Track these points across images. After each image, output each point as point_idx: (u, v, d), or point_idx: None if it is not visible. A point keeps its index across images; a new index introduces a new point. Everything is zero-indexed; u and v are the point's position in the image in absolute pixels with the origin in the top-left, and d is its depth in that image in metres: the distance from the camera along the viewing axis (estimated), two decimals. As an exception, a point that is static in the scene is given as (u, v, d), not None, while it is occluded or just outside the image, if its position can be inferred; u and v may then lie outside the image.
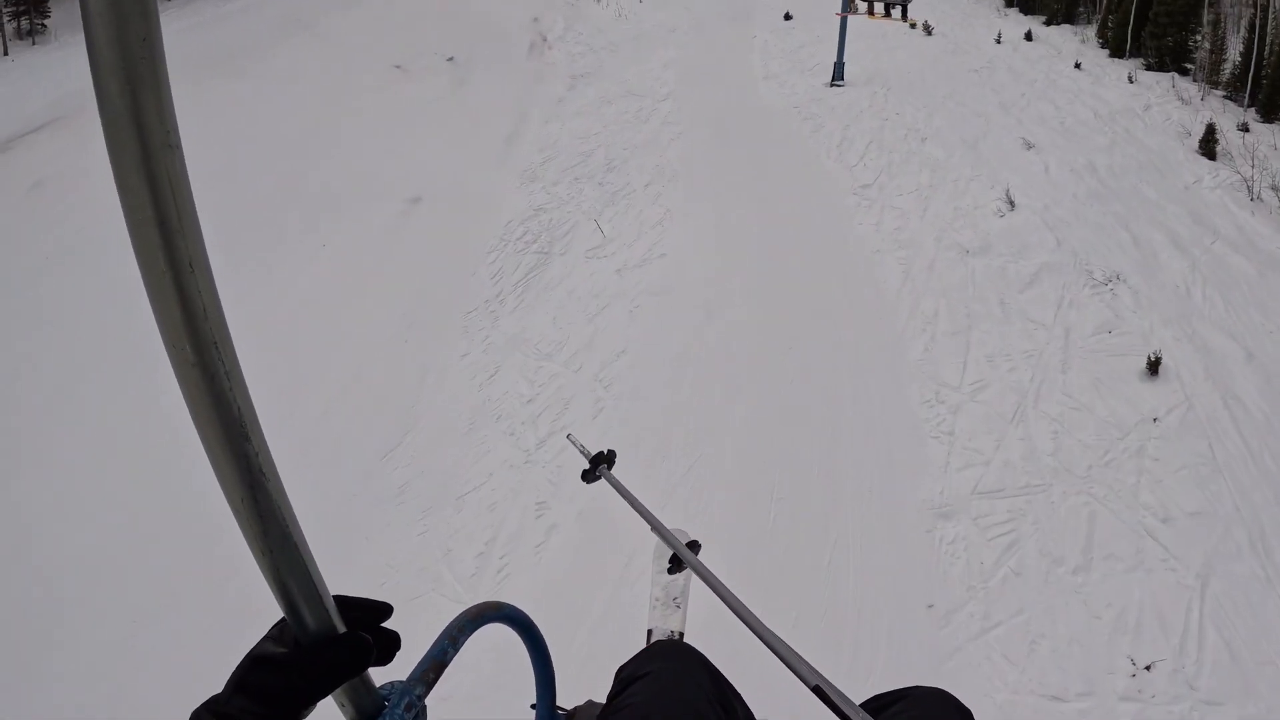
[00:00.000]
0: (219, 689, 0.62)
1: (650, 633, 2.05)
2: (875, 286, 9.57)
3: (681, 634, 2.02)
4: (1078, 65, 17.42)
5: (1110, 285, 8.93)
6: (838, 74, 17.30)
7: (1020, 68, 17.58)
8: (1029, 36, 20.59)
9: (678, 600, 2.09)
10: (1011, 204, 10.63)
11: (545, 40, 20.60)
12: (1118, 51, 19.33)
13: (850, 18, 17.76)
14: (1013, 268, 9.42)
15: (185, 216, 0.46)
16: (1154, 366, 7.67)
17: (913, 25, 21.50)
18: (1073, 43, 20.72)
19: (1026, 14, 24.64)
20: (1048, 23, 23.34)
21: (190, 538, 7.11)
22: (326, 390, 9.42)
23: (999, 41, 20.13)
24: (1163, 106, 14.68)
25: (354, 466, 8.48)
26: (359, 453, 8.63)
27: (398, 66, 17.93)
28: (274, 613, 0.62)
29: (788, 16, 22.61)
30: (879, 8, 19.24)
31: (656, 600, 2.12)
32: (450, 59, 18.72)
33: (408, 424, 8.94)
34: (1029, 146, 12.70)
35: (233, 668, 0.63)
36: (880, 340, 8.63)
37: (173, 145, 0.44)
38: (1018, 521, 6.51)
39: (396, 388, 9.45)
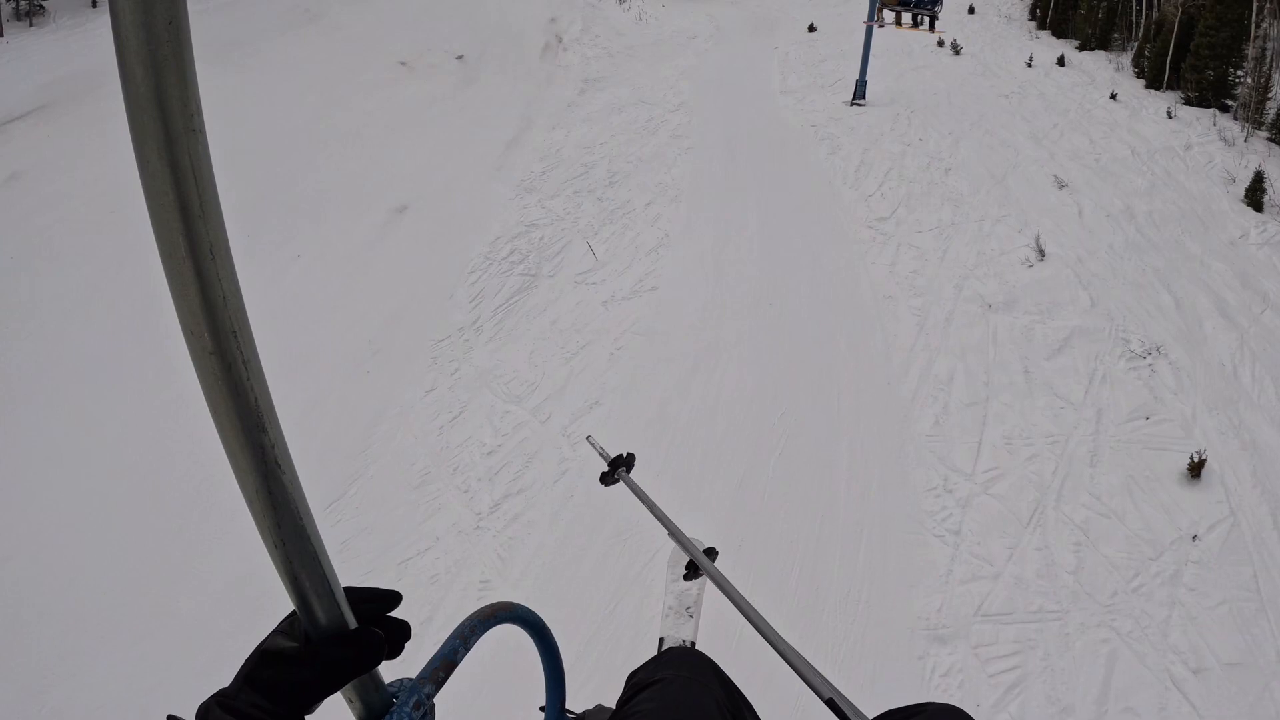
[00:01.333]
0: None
1: (662, 640, 1.92)
2: (885, 340, 8.29)
3: (694, 643, 1.88)
4: (1114, 96, 15.93)
5: (1149, 359, 7.61)
6: (859, 92, 15.94)
7: (1052, 95, 16.12)
8: (1062, 62, 19.09)
9: (690, 609, 1.98)
10: (1041, 253, 9.29)
11: (560, 41, 19.29)
12: (1155, 82, 17.78)
13: (876, 33, 16.42)
14: (1040, 329, 8.11)
15: (207, 202, 0.44)
16: (1196, 468, 6.38)
17: (940, 43, 20.09)
18: (1107, 70, 19.17)
19: (1059, 38, 23.06)
20: (1081, 48, 21.78)
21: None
22: (284, 417, 8.30)
23: (1030, 65, 18.65)
24: (1204, 147, 13.21)
25: None
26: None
27: (403, 63, 16.68)
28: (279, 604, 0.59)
29: (812, 28, 21.18)
30: (906, 18, 17.98)
31: (670, 609, 1.99)
32: (459, 57, 17.46)
33: (357, 469, 7.81)
34: (1061, 185, 11.32)
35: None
36: (886, 408, 7.36)
37: (196, 130, 0.42)
38: (1025, 655, 5.26)
39: (351, 426, 8.31)
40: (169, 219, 0.43)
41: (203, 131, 0.43)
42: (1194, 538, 5.92)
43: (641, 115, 15.44)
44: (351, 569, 6.76)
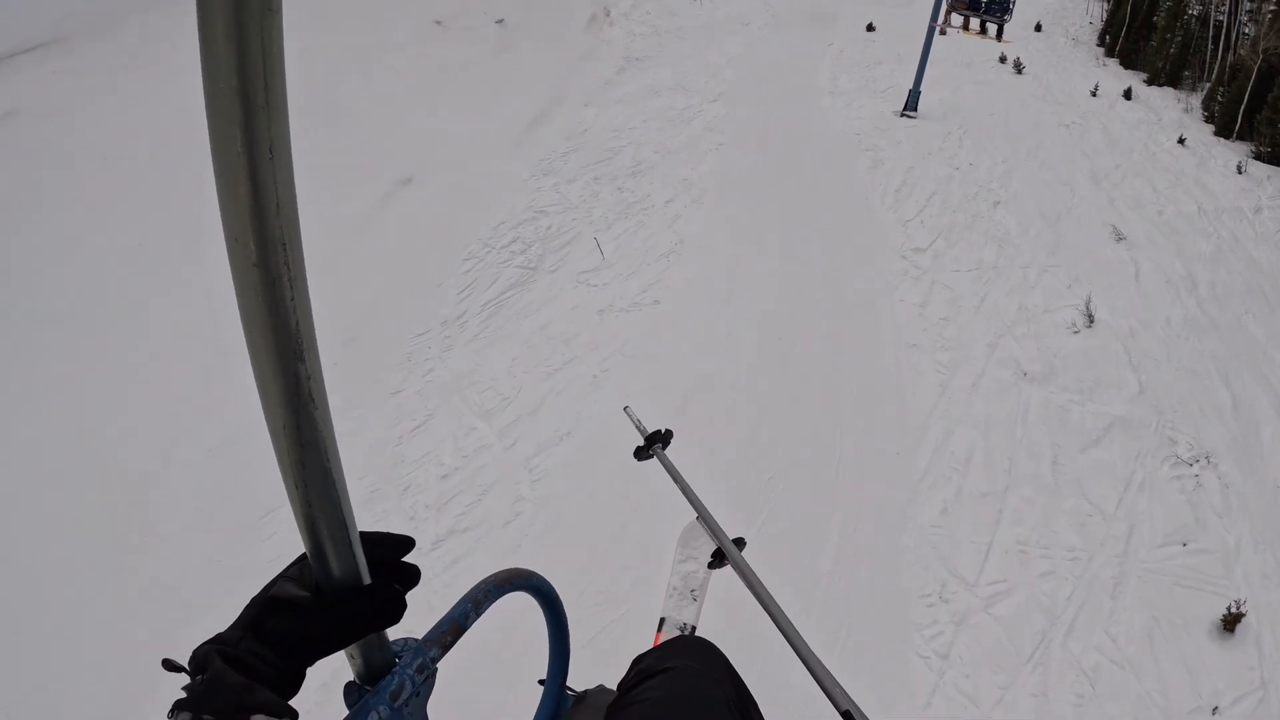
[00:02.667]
0: None
1: (662, 621, 1.71)
2: (901, 399, 7.13)
3: (694, 627, 1.69)
4: (1181, 141, 14.29)
5: (1196, 468, 6.40)
6: (911, 103, 14.45)
7: (1116, 131, 14.52)
8: (1128, 95, 17.35)
9: (695, 593, 1.74)
10: (1090, 317, 8.01)
11: (608, 15, 17.83)
12: (1225, 130, 16.03)
13: (936, 40, 14.86)
14: (1078, 412, 6.90)
15: (274, 93, 0.38)
16: (1232, 621, 5.22)
17: (1002, 59, 18.40)
18: (1175, 110, 17.41)
19: (1127, 68, 21.16)
20: (1149, 82, 19.90)
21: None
22: (230, 414, 7.36)
23: (1095, 94, 16.95)
24: (1276, 211, 11.68)
25: (230, 519, 6.47)
26: (240, 504, 6.60)
27: (438, 22, 15.35)
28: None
29: (871, 28, 19.49)
30: (974, 24, 16.35)
31: (674, 589, 1.78)
32: (499, 21, 16.10)
33: None
34: (1119, 237, 9.94)
35: None
36: (890, 484, 6.24)
37: (273, 9, 0.36)
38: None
39: None
40: (227, 107, 0.37)
41: (279, 12, 0.37)
42: (1214, 710, 4.80)
43: (679, 102, 14.09)
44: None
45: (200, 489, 6.61)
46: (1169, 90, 19.39)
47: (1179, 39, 20.78)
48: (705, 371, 7.21)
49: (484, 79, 14.04)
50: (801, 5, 20.17)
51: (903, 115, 14.34)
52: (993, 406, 6.96)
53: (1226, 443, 6.71)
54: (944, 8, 15.14)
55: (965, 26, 16.51)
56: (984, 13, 16.16)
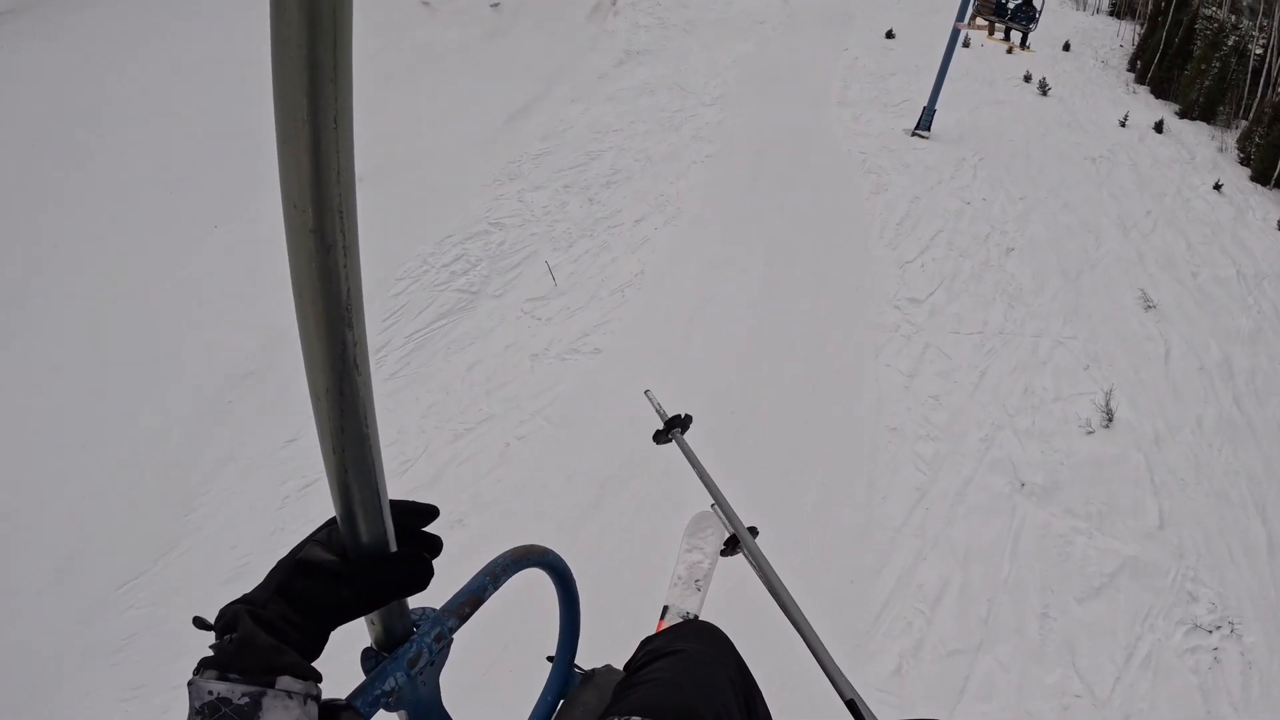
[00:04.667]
0: None
1: (665, 609, 1.66)
2: (869, 505, 5.55)
3: (696, 616, 1.63)
4: (1218, 186, 12.39)
5: (1217, 637, 4.80)
6: (924, 121, 12.61)
7: (1147, 169, 12.61)
8: (1160, 128, 15.33)
9: (699, 583, 1.71)
10: (1109, 415, 6.37)
11: (614, 3, 15.95)
12: (1263, 175, 14.01)
13: (957, 54, 13.00)
14: (1082, 546, 5.29)
15: (342, 65, 0.37)
16: None
17: (1027, 77, 16.43)
18: (1209, 148, 15.36)
19: (1158, 97, 18.94)
20: (1182, 114, 17.74)
21: None
22: (108, 459, 5.99)
23: (1124, 125, 14.98)
24: (1322, 278, 9.87)
25: (85, 590, 5.25)
26: (98, 570, 5.33)
27: (425, 3, 13.57)
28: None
29: (890, 35, 17.48)
30: (999, 30, 14.54)
31: (679, 578, 1.73)
32: (495, 4, 14.27)
33: (175, 537, 5.54)
34: (1148, 305, 8.19)
35: None
36: (837, 625, 4.69)
37: None
38: None
39: (189, 472, 5.97)
40: (294, 76, 0.35)
41: None
42: None
43: (673, 103, 12.34)
44: (124, 675, 4.75)
45: (60, 544, 5.30)
46: (1202, 125, 17.27)
47: (1215, 70, 18.59)
48: (634, 453, 5.65)
49: (468, 67, 12.32)
50: (822, 6, 18.13)
51: (914, 134, 12.52)
52: (978, 528, 5.37)
53: (1256, 602, 5.09)
54: (969, 13, 13.30)
55: (990, 33, 14.76)
56: (1010, 19, 14.40)
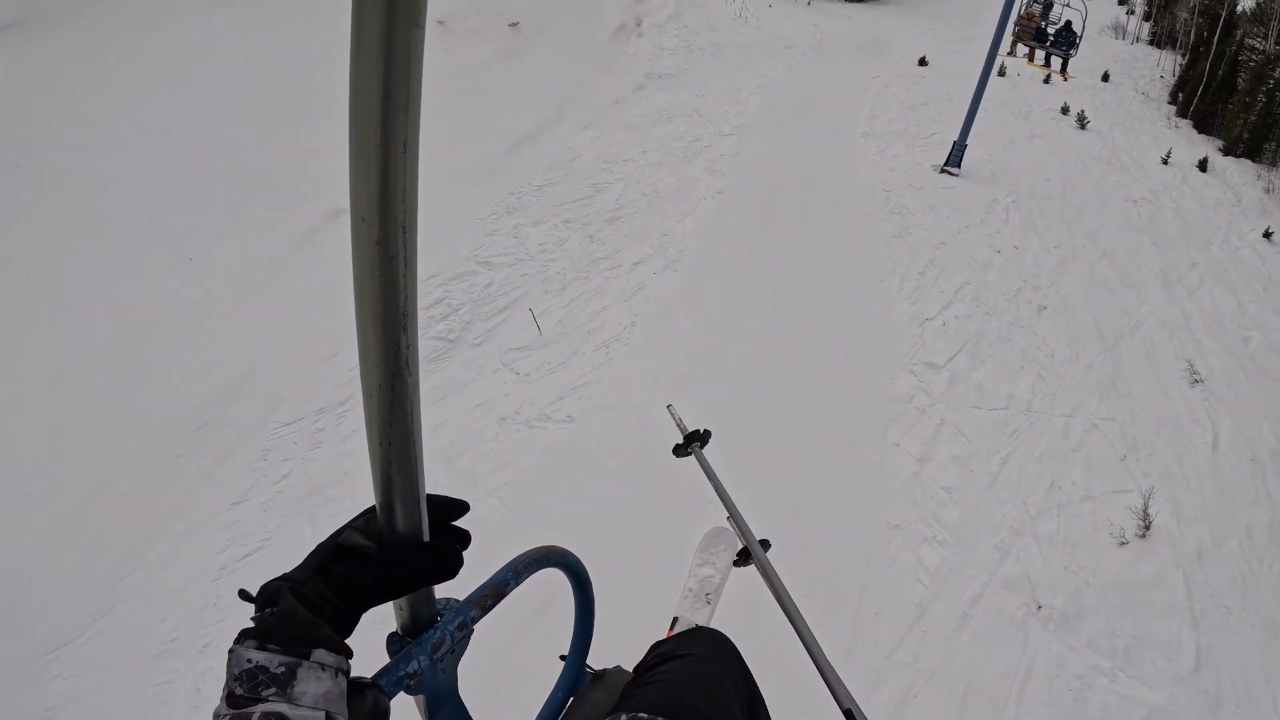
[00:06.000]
0: None
1: (675, 620, 1.67)
2: (856, 623, 4.50)
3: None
4: (1268, 234, 10.99)
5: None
6: (954, 158, 11.45)
7: (1191, 213, 11.27)
8: (1204, 166, 13.90)
9: (710, 596, 1.73)
10: (1147, 522, 5.23)
11: (639, 24, 14.99)
12: (1319, 218, 12.56)
13: (993, 84, 11.92)
14: (1102, 690, 4.16)
15: (413, 98, 0.40)
16: None
17: (1064, 110, 15.11)
18: (1255, 189, 13.82)
19: (1201, 131, 17.39)
20: (1226, 151, 16.20)
21: None
22: (52, 511, 5.27)
23: (1166, 162, 13.60)
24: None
25: (10, 654, 4.48)
26: (25, 636, 4.63)
27: (440, 22, 12.70)
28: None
29: (923, 62, 16.28)
30: (1039, 56, 13.58)
31: (689, 591, 1.75)
32: (514, 24, 13.39)
33: (106, 604, 4.83)
34: (1195, 379, 6.97)
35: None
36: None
37: (419, 24, 0.39)
38: None
39: (125, 534, 5.22)
40: (370, 107, 0.38)
41: (424, 27, 0.39)
42: None
43: (690, 131, 11.35)
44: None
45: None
46: (1247, 163, 15.71)
47: (1261, 104, 16.98)
48: (591, 549, 4.70)
49: (478, 89, 11.47)
50: (850, 32, 16.99)
51: (943, 171, 11.36)
52: (981, 661, 4.30)
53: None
54: (1008, 38, 12.21)
55: (1030, 58, 13.73)
56: (1050, 45, 13.39)
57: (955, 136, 11.50)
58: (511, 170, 9.66)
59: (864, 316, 7.57)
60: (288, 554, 4.70)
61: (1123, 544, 5.09)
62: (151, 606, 4.83)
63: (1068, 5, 13.32)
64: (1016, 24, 13.11)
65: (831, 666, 0.92)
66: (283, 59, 10.54)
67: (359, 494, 5.40)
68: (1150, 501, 5.25)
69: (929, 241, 9.10)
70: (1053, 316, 7.73)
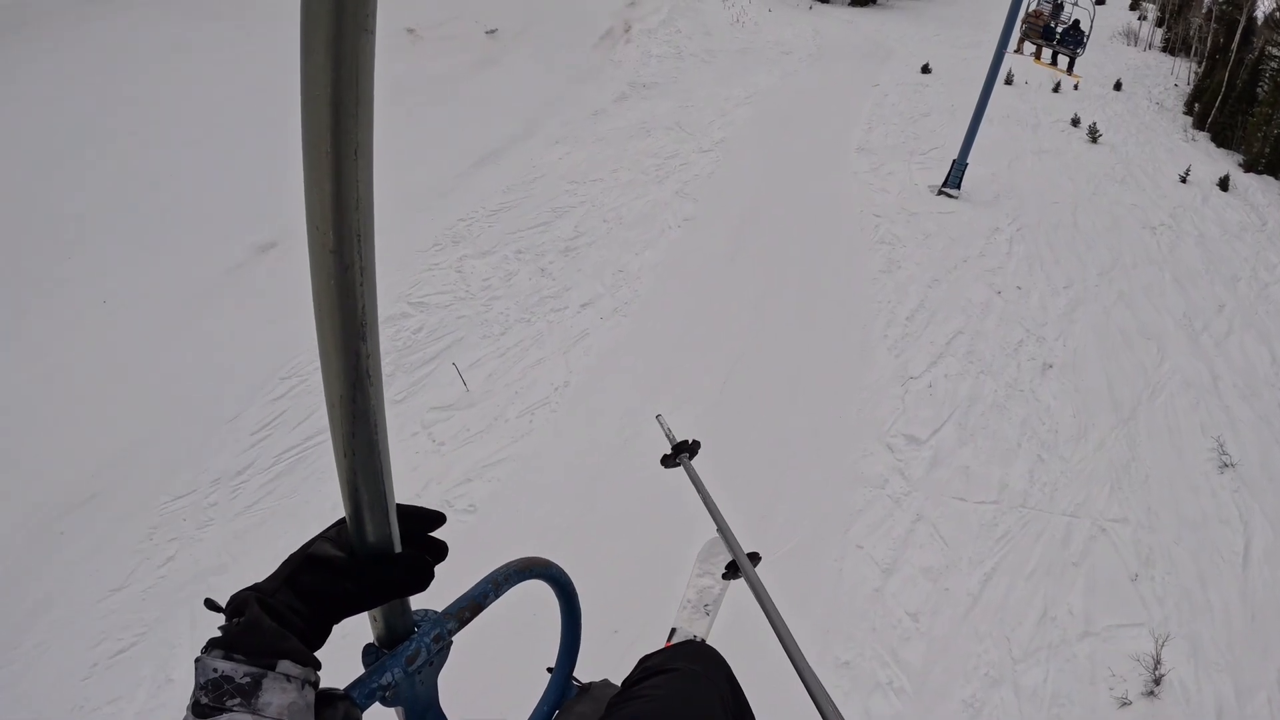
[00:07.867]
0: None
1: (673, 631, 1.50)
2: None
3: (703, 640, 1.44)
4: (1301, 266, 9.41)
5: None
6: (953, 178, 9.97)
7: (1214, 241, 9.70)
8: (1225, 184, 12.25)
9: (709, 607, 1.55)
10: (1157, 675, 3.89)
11: (628, 30, 13.55)
12: (1353, 245, 10.88)
13: (999, 92, 10.59)
14: None
15: (363, 103, 0.37)
16: None
17: (1075, 121, 13.48)
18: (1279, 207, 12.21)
19: (1220, 145, 15.61)
20: (1247, 167, 14.41)
21: None
22: None
23: (1184, 180, 11.98)
24: None
25: None
26: None
27: (410, 30, 11.36)
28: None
29: (926, 69, 14.67)
30: (1046, 54, 12.16)
31: (688, 601, 1.57)
32: (492, 31, 12.02)
33: None
34: (1224, 464, 5.53)
35: None
36: None
37: (368, 30, 0.36)
38: None
39: (4, 618, 4.22)
40: (320, 113, 0.36)
41: (373, 33, 0.36)
42: None
43: (666, 148, 9.99)
44: None
45: None
46: (1270, 180, 13.95)
47: (1286, 115, 15.12)
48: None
49: (445, 101, 10.17)
50: (851, 38, 15.39)
51: (941, 192, 9.90)
52: None
53: None
54: (1016, 37, 10.76)
55: (1037, 56, 12.30)
56: (1057, 44, 11.96)
57: (956, 151, 10.04)
58: (467, 191, 8.41)
59: (839, 373, 6.26)
60: (160, 652, 3.59)
61: (1125, 705, 3.79)
62: (20, 705, 3.91)
63: (1075, 4, 11.88)
64: (1024, 21, 11.72)
65: (820, 684, 0.78)
66: (241, 69, 9.34)
67: (241, 580, 4.28)
68: (1162, 651, 3.94)
69: (920, 278, 7.72)
70: (1059, 377, 6.35)
